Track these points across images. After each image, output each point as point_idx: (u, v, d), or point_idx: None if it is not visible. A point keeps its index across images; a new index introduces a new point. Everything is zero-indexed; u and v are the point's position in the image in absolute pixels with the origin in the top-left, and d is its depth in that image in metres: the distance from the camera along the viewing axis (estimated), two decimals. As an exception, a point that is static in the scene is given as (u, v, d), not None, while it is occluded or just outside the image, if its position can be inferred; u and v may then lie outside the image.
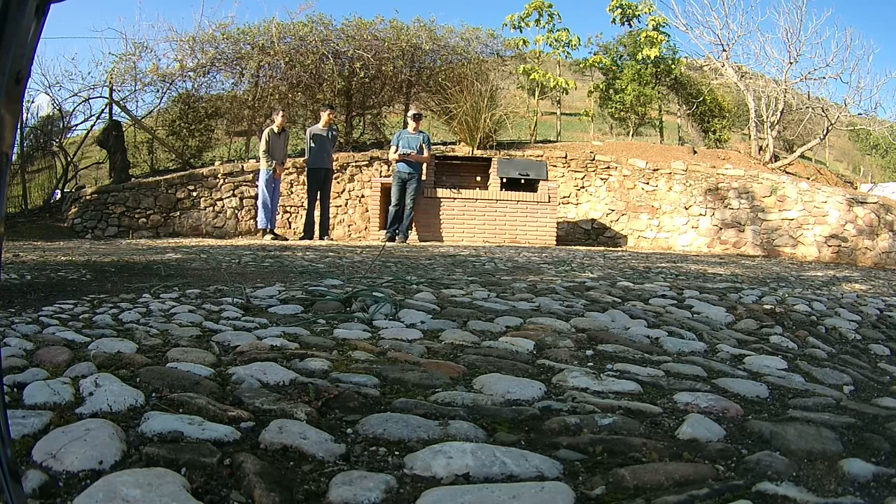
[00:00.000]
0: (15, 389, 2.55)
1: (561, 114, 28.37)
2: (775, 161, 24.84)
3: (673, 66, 27.90)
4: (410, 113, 19.74)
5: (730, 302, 5.80)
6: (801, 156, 27.27)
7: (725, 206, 20.89)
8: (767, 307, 5.52)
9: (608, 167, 22.63)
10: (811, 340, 4.54)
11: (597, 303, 5.40)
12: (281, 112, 18.62)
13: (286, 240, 17.92)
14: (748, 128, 26.81)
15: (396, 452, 2.08)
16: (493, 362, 3.26)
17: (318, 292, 5.38)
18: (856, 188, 30.24)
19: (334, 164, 19.62)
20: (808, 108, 27.26)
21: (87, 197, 19.78)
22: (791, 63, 24.89)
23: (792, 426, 2.42)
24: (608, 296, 5.81)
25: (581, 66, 29.17)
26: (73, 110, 22.98)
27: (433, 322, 4.27)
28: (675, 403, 2.74)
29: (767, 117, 25.20)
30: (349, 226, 21.27)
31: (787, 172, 23.74)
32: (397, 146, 18.38)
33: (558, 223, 20.19)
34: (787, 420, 2.56)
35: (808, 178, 24.46)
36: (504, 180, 19.61)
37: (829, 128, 25.59)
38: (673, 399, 2.79)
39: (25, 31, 1.23)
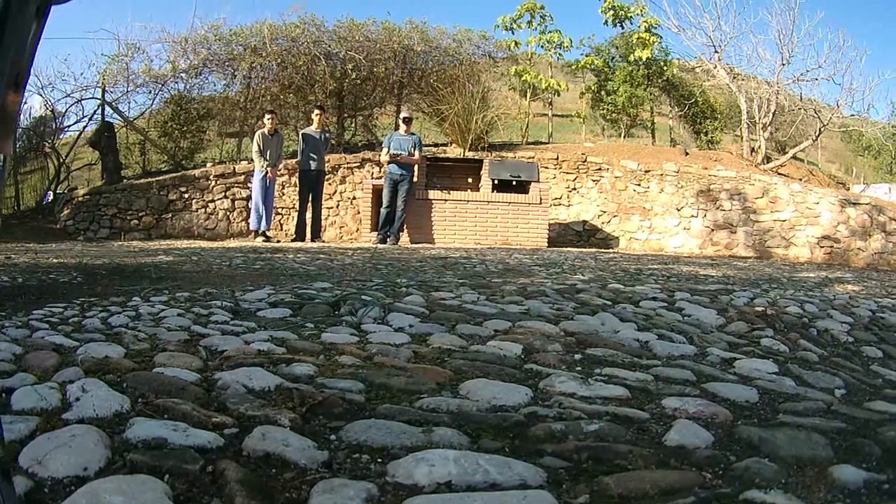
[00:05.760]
0: (3, 394, 2.55)
1: (553, 115, 28.37)
2: (767, 162, 24.87)
3: (665, 68, 27.95)
4: (401, 116, 19.79)
5: (721, 304, 5.80)
6: (794, 157, 27.34)
7: (717, 208, 20.92)
8: (759, 309, 5.50)
9: (600, 169, 22.66)
10: (803, 343, 4.51)
11: (587, 305, 5.39)
12: (268, 115, 18.67)
13: (277, 242, 17.93)
14: (740, 129, 26.83)
15: (379, 460, 2.06)
16: (480, 367, 3.25)
17: (307, 295, 5.37)
18: (848, 189, 30.29)
19: (326, 165, 19.63)
20: (800, 109, 27.31)
21: (80, 198, 19.73)
22: (783, 65, 24.97)
23: (781, 432, 2.41)
24: (598, 298, 5.80)
25: (573, 67, 29.22)
26: (66, 111, 22.99)
27: (421, 326, 4.26)
28: (663, 409, 2.73)
29: (759, 119, 25.23)
30: (341, 227, 21.26)
31: (779, 174, 23.77)
32: (388, 148, 18.40)
33: (550, 225, 20.15)
34: (776, 425, 2.55)
35: (801, 180, 24.48)
36: (495, 182, 19.65)
37: (822, 129, 25.65)
38: (661, 404, 2.79)
39: (25, 33, 1.22)
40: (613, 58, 28.85)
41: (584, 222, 22.32)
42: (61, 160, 22.23)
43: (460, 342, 3.81)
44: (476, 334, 4.07)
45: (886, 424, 2.65)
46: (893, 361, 4.33)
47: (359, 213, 20.47)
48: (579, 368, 3.40)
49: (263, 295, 5.47)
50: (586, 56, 28.62)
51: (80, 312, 4.62)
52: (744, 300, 6.24)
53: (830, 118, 25.38)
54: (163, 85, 23.29)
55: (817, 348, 4.43)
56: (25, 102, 22.55)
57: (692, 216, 21.27)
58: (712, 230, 20.87)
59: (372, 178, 20.54)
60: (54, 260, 9.78)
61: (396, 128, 19.71)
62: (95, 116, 22.51)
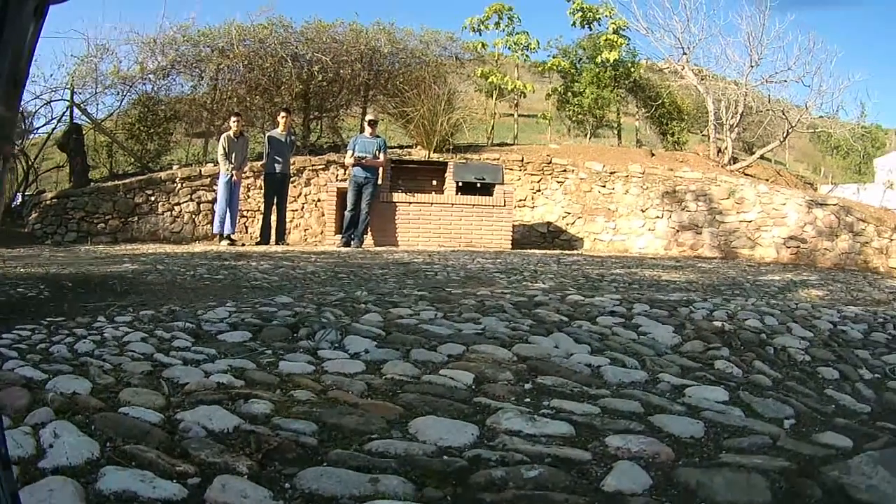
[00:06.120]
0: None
1: (519, 115, 28.46)
2: (734, 163, 24.98)
3: (632, 70, 28.07)
4: (367, 118, 19.90)
5: (679, 318, 5.80)
6: (761, 157, 27.47)
7: (683, 209, 21.04)
8: (717, 324, 5.52)
9: (565, 170, 22.76)
10: (757, 364, 4.52)
11: (543, 323, 5.41)
12: (233, 118, 18.79)
13: (242, 245, 18.00)
14: (707, 130, 26.90)
15: (329, 510, 2.12)
16: (430, 402, 3.32)
17: (267, 314, 5.41)
18: (816, 189, 30.46)
19: (291, 168, 19.73)
20: (768, 111, 27.43)
21: (48, 202, 19.57)
22: (752, 67, 25.05)
23: (721, 474, 2.45)
24: (556, 314, 5.83)
25: (540, 68, 29.30)
26: (35, 112, 22.82)
27: (377, 352, 4.30)
28: (606, 447, 2.78)
29: (727, 120, 25.32)
30: (305, 230, 21.25)
31: (746, 174, 23.90)
32: (353, 151, 18.47)
33: (514, 226, 20.29)
34: (717, 466, 2.58)
35: (768, 180, 24.62)
36: (460, 184, 19.70)
37: (790, 130, 25.80)
38: (604, 442, 2.84)
39: (24, 33, 1.23)
40: (580, 59, 28.91)
41: (549, 224, 22.40)
42: (30, 163, 22.11)
43: (413, 371, 3.87)
44: (430, 361, 4.12)
45: (831, 462, 2.67)
46: (849, 384, 4.31)
47: (323, 215, 20.41)
48: (528, 400, 3.46)
49: (225, 314, 5.48)
50: (553, 58, 28.69)
51: (47, 336, 4.64)
52: (703, 312, 6.21)
53: (798, 119, 25.54)
54: (131, 86, 23.21)
55: (772, 370, 4.43)
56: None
57: (657, 217, 21.37)
58: (677, 231, 20.98)
59: (336, 181, 20.58)
60: (22, 270, 9.74)
61: (362, 130, 19.74)
62: (64, 118, 22.40)
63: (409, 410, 3.19)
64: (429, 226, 19.36)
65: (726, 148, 25.13)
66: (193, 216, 20.30)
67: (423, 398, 3.36)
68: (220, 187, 18.22)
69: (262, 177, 19.62)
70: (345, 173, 20.45)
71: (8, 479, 1.31)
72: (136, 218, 19.81)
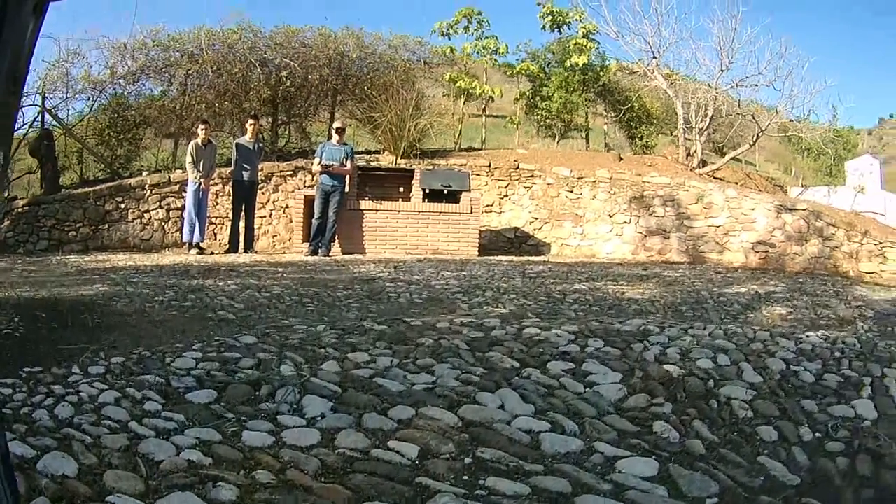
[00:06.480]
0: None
1: (487, 116, 28.77)
2: (703, 166, 25.18)
3: (601, 74, 28.25)
4: (334, 126, 20.17)
5: (630, 360, 5.80)
6: (732, 159, 27.62)
7: (650, 214, 21.34)
8: (667, 368, 5.50)
9: (532, 175, 23.05)
10: (696, 425, 4.52)
11: (493, 372, 5.48)
12: (201, 126, 18.98)
13: (211, 253, 18.29)
14: (676, 133, 27.00)
15: None
16: (376, 485, 3.50)
17: (232, 362, 5.62)
18: (786, 192, 30.63)
19: (259, 174, 19.92)
20: (738, 114, 27.62)
21: (20, 209, 19.62)
22: (723, 71, 25.26)
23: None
24: (508, 357, 5.88)
25: (509, 74, 29.48)
26: (8, 118, 22.68)
27: (332, 417, 4.49)
28: (524, 541, 2.93)
29: (696, 123, 25.48)
30: (273, 236, 21.43)
31: (715, 178, 24.13)
32: (320, 158, 18.69)
33: (481, 232, 20.51)
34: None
35: (737, 183, 24.80)
36: (427, 191, 19.96)
37: (760, 134, 26.02)
38: (524, 536, 2.98)
39: (23, 31, 1.32)
40: (549, 63, 29.04)
41: (516, 229, 22.65)
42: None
43: (364, 443, 4.06)
44: (380, 428, 4.30)
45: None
46: (785, 447, 4.28)
47: (291, 222, 20.63)
48: (466, 478, 3.64)
49: (192, 362, 5.65)
50: (522, 62, 28.83)
51: (27, 395, 4.73)
52: (657, 350, 6.15)
53: (769, 124, 25.76)
54: (101, 91, 23.27)
55: (709, 432, 4.44)
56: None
57: (625, 222, 21.61)
58: (645, 236, 21.23)
59: (305, 187, 20.87)
60: (-5, 293, 9.86)
61: (329, 137, 19.93)
62: (35, 123, 22.39)
63: (357, 493, 3.40)
64: (396, 233, 19.57)
65: (695, 151, 25.31)
66: (163, 223, 20.41)
67: (369, 480, 3.56)
68: (189, 195, 18.39)
69: (230, 184, 19.81)
70: (313, 179, 20.58)
71: (8, 475, 1.47)
72: (106, 226, 19.92)
